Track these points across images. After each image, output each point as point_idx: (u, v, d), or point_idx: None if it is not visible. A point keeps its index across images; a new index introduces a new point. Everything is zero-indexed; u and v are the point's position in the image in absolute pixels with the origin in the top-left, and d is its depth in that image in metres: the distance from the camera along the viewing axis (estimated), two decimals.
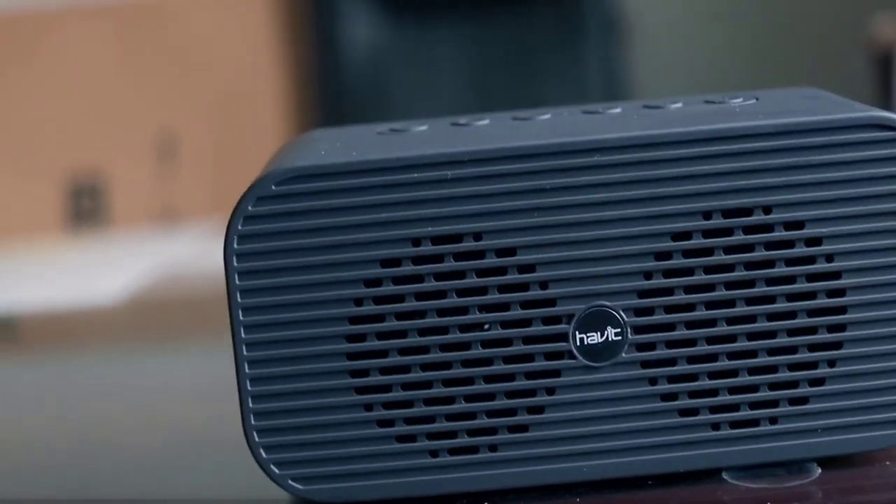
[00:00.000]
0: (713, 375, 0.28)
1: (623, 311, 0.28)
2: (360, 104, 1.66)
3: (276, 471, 0.28)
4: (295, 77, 1.73)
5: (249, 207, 0.27)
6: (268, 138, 1.71)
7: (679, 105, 0.31)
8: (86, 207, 1.68)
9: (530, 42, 1.62)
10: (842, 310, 0.28)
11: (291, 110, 1.72)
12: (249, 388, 0.28)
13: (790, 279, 0.28)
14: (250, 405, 0.28)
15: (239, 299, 0.27)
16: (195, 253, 0.84)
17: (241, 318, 0.27)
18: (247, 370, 0.28)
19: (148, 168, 1.72)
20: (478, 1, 1.66)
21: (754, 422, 0.28)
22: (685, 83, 1.67)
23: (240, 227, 0.27)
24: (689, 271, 0.28)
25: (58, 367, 0.53)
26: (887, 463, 0.28)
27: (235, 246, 0.27)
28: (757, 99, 0.31)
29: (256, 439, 0.28)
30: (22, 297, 0.69)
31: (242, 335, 0.28)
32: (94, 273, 0.77)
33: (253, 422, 0.28)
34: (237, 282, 0.27)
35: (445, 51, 1.67)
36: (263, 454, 0.28)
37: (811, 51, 1.61)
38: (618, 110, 0.31)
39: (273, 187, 0.27)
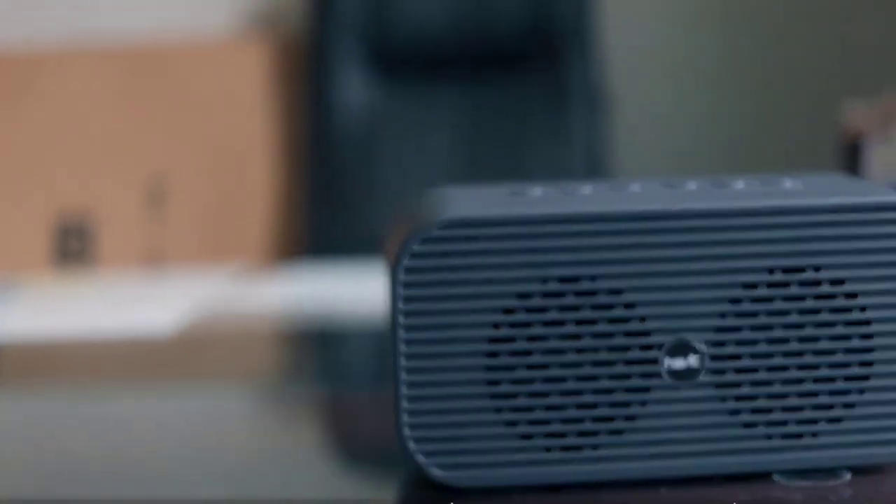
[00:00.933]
0: (770, 396, 0.36)
1: (703, 342, 0.35)
2: (350, 164, 1.71)
3: (423, 460, 0.35)
4: (287, 134, 1.78)
5: (415, 246, 0.34)
6: (256, 192, 1.76)
7: (742, 185, 0.38)
8: (73, 248, 1.73)
9: (518, 109, 1.70)
10: (870, 350, 0.36)
11: (282, 165, 1.77)
12: (405, 392, 0.35)
13: (832, 324, 0.36)
14: (404, 406, 0.35)
15: (401, 321, 0.34)
16: (228, 294, 0.90)
17: (402, 335, 0.34)
18: (403, 377, 0.35)
19: (136, 212, 1.76)
20: (468, 68, 1.73)
21: (800, 435, 0.36)
22: (664, 159, 1.76)
23: (406, 262, 0.34)
24: (754, 314, 0.35)
25: (108, 398, 0.58)
26: None
27: (402, 277, 0.34)
28: (803, 182, 0.39)
29: (408, 434, 0.35)
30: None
31: (403, 349, 0.35)
32: (130, 309, 0.83)
33: (406, 420, 0.35)
34: (401, 306, 0.34)
35: (436, 115, 1.73)
36: (413, 446, 0.35)
37: (785, 135, 1.71)
38: (693, 186, 0.39)
39: (436, 231, 0.34)
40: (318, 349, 0.68)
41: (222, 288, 0.93)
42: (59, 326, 0.74)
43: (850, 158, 1.37)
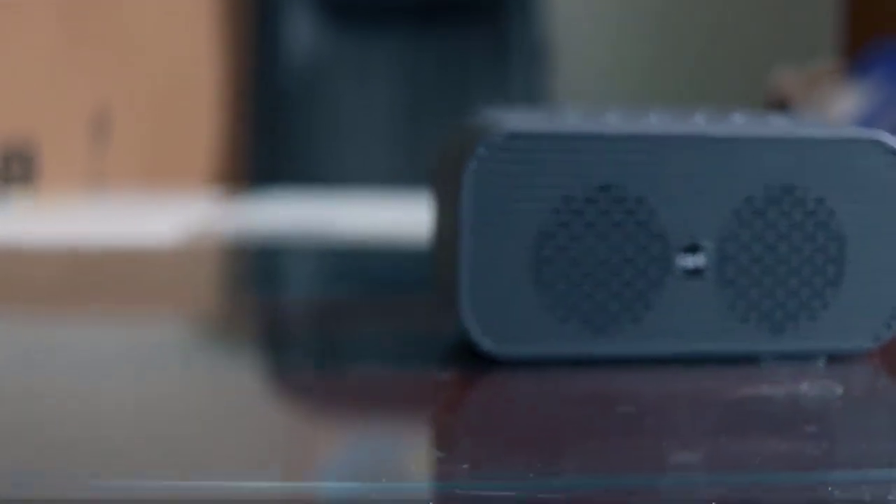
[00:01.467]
0: (762, 293, 0.43)
1: (710, 245, 0.42)
2: (293, 101, 1.75)
3: (479, 334, 0.41)
4: (232, 67, 1.81)
5: (482, 151, 0.41)
6: (200, 122, 1.79)
7: (740, 117, 0.46)
8: (15, 172, 1.74)
9: (461, 59, 1.75)
10: (843, 259, 0.43)
11: (225, 98, 1.80)
12: (466, 277, 0.41)
13: (813, 235, 0.43)
14: (466, 289, 0.41)
15: (467, 215, 0.41)
16: (212, 215, 0.95)
17: (467, 227, 0.41)
18: (465, 263, 0.41)
19: (80, 139, 1.78)
20: (414, 15, 1.77)
21: (784, 327, 0.43)
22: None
23: (474, 165, 0.41)
24: (752, 223, 0.43)
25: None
26: (865, 360, 0.44)
27: (470, 178, 0.41)
28: (788, 120, 0.46)
29: (466, 310, 0.41)
30: None
31: (467, 240, 0.41)
32: (127, 223, 0.87)
33: (466, 300, 0.41)
34: (467, 203, 0.41)
35: (380, 60, 1.77)
36: (471, 322, 0.41)
37: (716, 94, 1.80)
38: (699, 116, 0.46)
39: (500, 140, 0.41)
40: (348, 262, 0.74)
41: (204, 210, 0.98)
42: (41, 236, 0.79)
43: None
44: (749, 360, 0.43)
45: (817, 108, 1.35)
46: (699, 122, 0.44)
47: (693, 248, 0.42)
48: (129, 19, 1.76)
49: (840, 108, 1.28)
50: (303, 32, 1.77)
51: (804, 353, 0.44)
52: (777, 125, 0.44)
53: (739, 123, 0.44)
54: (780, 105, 1.46)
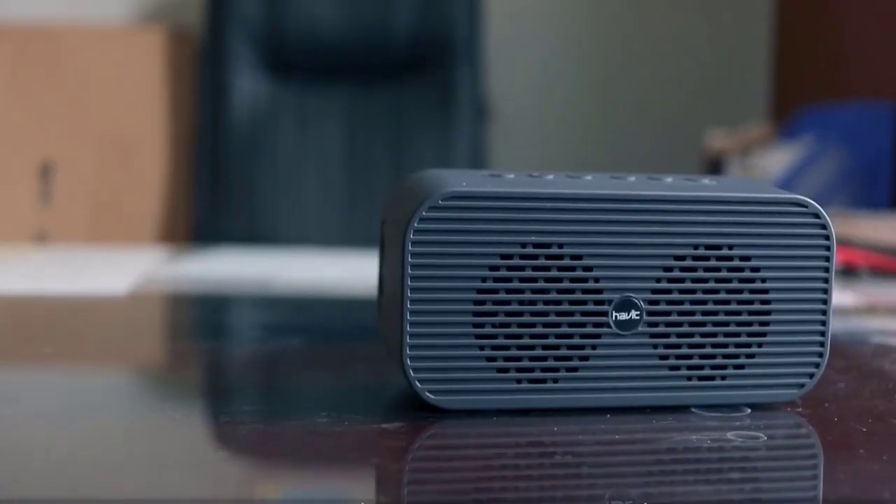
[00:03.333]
0: (691, 346, 0.45)
1: (642, 300, 0.45)
2: (240, 153, 1.76)
3: (419, 385, 0.43)
4: (179, 122, 1.81)
5: (423, 212, 0.43)
6: (145, 177, 1.80)
7: (670, 179, 0.48)
8: None
9: (406, 115, 1.77)
10: (767, 313, 0.46)
11: (171, 152, 1.81)
12: (409, 329, 0.43)
13: (739, 291, 0.46)
14: (408, 341, 0.43)
15: (409, 271, 0.43)
16: (158, 269, 0.96)
17: (409, 283, 0.43)
18: (408, 318, 0.43)
19: (24, 196, 1.77)
20: (359, 72, 1.78)
21: (712, 377, 0.45)
22: (540, 165, 1.87)
23: (416, 225, 0.43)
24: (682, 280, 0.45)
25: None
26: (787, 409, 0.46)
27: (411, 236, 0.43)
28: (717, 181, 0.49)
29: (409, 363, 0.43)
30: None
31: (408, 294, 0.43)
32: (76, 277, 0.87)
33: (408, 352, 0.43)
34: (409, 259, 0.43)
35: (325, 115, 1.79)
36: (412, 374, 0.43)
37: (654, 152, 1.85)
38: (633, 178, 0.48)
39: (440, 201, 0.43)
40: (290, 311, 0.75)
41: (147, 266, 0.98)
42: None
43: (712, 173, 1.51)
44: (680, 409, 0.45)
45: (749, 168, 1.40)
46: (632, 184, 0.46)
47: (626, 304, 0.45)
48: (75, 77, 1.77)
49: (770, 166, 1.33)
50: (249, 88, 1.78)
51: (732, 402, 0.46)
52: (706, 187, 0.46)
53: (670, 186, 0.46)
54: (715, 164, 1.50)
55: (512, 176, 0.47)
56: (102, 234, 1.80)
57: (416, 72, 1.77)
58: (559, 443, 0.42)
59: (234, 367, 0.56)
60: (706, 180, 0.49)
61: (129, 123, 1.80)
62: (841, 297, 0.81)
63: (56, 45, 1.78)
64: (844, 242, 0.95)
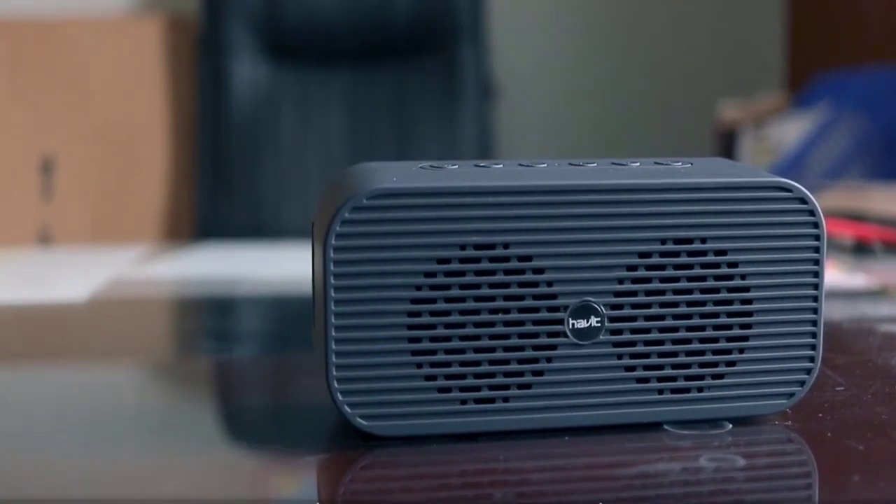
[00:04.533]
0: (661, 355, 0.40)
1: (602, 305, 0.39)
2: (241, 142, 1.71)
3: (349, 410, 0.38)
4: (179, 112, 1.77)
5: (346, 214, 0.37)
6: (148, 169, 1.76)
7: (637, 164, 0.42)
8: None
9: (410, 98, 1.72)
10: (749, 314, 0.40)
11: (172, 143, 1.76)
12: (334, 347, 0.38)
13: (716, 290, 0.40)
14: (333, 360, 0.38)
15: (332, 281, 0.37)
16: (130, 270, 0.91)
17: (332, 295, 0.37)
18: (333, 334, 0.38)
19: (26, 193, 1.74)
20: (361, 56, 1.73)
21: (687, 389, 0.40)
22: (550, 146, 1.81)
23: (338, 228, 0.37)
24: (648, 280, 0.39)
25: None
26: (776, 422, 0.41)
27: (333, 241, 0.37)
28: (692, 164, 0.43)
29: (336, 386, 0.38)
30: None
31: (332, 308, 0.37)
32: (41, 282, 0.83)
33: (334, 373, 0.38)
34: (332, 268, 0.37)
35: (328, 101, 1.74)
36: (340, 397, 0.38)
37: (666, 125, 1.78)
38: (594, 164, 0.42)
39: (364, 200, 0.37)
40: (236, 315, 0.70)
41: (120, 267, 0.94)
42: None
43: (726, 149, 1.45)
44: (650, 426, 0.40)
45: (763, 139, 1.33)
46: (589, 172, 0.41)
47: (585, 309, 0.39)
48: (74, 70, 1.73)
49: (784, 137, 1.26)
50: (249, 74, 1.74)
51: (710, 416, 0.40)
52: (674, 172, 0.41)
53: (633, 172, 0.41)
54: (728, 136, 1.44)
55: (455, 167, 0.42)
56: (106, 229, 1.76)
57: (418, 53, 1.71)
58: (511, 471, 0.37)
59: (159, 386, 0.51)
60: (678, 164, 0.43)
61: (129, 115, 1.76)
62: (851, 278, 0.75)
63: (53, 38, 1.74)
64: (857, 217, 0.89)
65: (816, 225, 0.40)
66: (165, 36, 1.77)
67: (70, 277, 0.83)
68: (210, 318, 0.71)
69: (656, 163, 0.43)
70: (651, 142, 1.74)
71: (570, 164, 0.43)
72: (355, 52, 1.73)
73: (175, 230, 1.77)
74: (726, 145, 1.43)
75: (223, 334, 0.64)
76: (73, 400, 0.49)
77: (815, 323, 0.41)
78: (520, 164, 0.42)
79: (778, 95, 1.49)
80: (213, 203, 1.73)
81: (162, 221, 1.77)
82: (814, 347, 0.41)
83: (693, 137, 1.66)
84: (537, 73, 1.84)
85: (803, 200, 0.40)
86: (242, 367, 0.53)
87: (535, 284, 0.39)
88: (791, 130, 1.22)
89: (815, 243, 0.40)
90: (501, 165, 0.42)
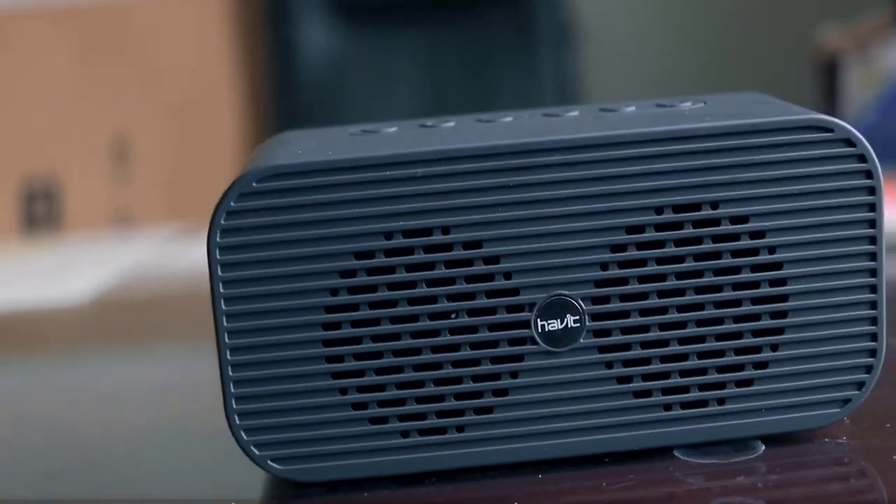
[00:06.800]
0: (665, 359, 0.30)
1: (581, 299, 0.30)
2: (315, 109, 1.67)
3: (256, 452, 0.30)
4: (250, 83, 1.74)
5: (232, 203, 0.29)
6: (223, 144, 1.72)
7: (632, 108, 0.33)
8: (39, 212, 1.69)
9: (484, 47, 1.64)
10: (783, 298, 0.30)
11: (246, 116, 1.73)
12: (231, 373, 0.29)
13: (735, 270, 0.30)
14: (232, 390, 0.29)
15: (221, 290, 0.29)
16: (158, 255, 0.85)
17: (223, 307, 0.29)
18: (228, 357, 0.29)
19: (102, 173, 1.72)
20: (431, 8, 1.67)
21: (703, 402, 0.30)
22: (636, 88, 1.70)
23: (223, 222, 0.29)
24: (642, 262, 0.30)
25: (23, 368, 0.54)
26: (826, 440, 0.31)
27: (218, 239, 0.29)
28: (705, 103, 0.33)
29: (238, 422, 0.29)
30: None
31: (225, 324, 0.29)
32: (54, 276, 0.78)
33: (234, 406, 0.29)
34: (220, 273, 0.29)
35: (400, 56, 1.68)
36: (244, 436, 0.30)
37: (760, 57, 1.65)
38: (575, 113, 0.33)
39: (254, 184, 0.29)
40: None
41: (149, 251, 0.88)
42: None
43: (827, 80, 1.31)
44: (654, 453, 0.30)
45: (868, 65, 1.20)
46: (559, 125, 0.31)
47: (558, 306, 0.30)
48: (143, 50, 1.71)
49: (890, 63, 1.13)
50: (319, 38, 1.69)
51: (735, 435, 0.31)
52: (675, 117, 0.31)
53: (617, 121, 0.31)
54: (829, 64, 1.30)
55: (394, 129, 0.33)
56: (182, 207, 1.73)
57: (488, 2, 1.62)
58: None
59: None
60: (688, 104, 0.33)
61: (200, 90, 1.73)
62: None
63: (122, 22, 1.72)
64: None
65: (870, 174, 0.30)
66: (231, 7, 1.73)
67: (83, 270, 0.77)
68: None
69: (658, 105, 0.33)
70: (746, 79, 1.61)
71: (545, 114, 0.33)
72: (423, 5, 1.66)
73: None
74: (828, 76, 1.29)
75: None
76: None
77: (874, 304, 0.30)
78: (478, 120, 0.33)
79: (885, 14, 1.34)
80: None
81: None
82: (874, 337, 0.30)
83: (791, 70, 1.52)
84: (623, 11, 1.72)
85: (850, 142, 0.30)
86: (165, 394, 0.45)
87: (488, 278, 0.30)
88: None
89: (868, 198, 0.30)
90: (453, 123, 0.33)
